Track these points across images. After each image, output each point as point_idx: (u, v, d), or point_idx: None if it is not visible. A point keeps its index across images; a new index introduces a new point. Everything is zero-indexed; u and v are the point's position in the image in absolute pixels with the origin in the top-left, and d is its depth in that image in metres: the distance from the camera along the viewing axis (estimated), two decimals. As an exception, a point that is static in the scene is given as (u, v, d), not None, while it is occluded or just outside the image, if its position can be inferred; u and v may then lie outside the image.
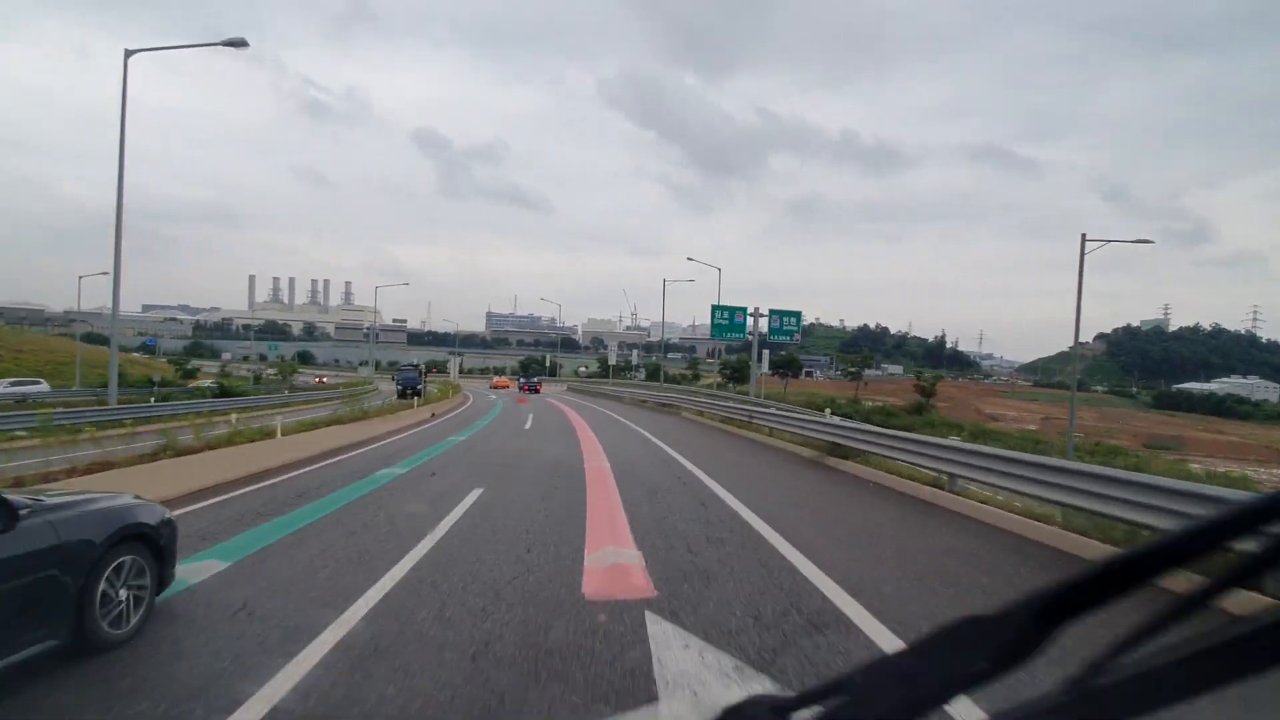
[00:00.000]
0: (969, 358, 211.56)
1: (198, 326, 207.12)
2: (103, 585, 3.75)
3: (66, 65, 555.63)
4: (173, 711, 3.15)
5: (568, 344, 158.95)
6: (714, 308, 31.01)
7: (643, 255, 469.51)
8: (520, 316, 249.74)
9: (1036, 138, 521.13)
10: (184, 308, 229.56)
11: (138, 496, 4.59)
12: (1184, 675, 0.48)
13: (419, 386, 40.68)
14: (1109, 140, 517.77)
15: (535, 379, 67.48)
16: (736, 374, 66.01)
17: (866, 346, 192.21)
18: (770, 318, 30.32)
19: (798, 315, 31.20)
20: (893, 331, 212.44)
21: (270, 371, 69.35)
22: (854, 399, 66.86)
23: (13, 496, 3.49)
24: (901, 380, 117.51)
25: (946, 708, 0.60)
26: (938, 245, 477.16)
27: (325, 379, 76.30)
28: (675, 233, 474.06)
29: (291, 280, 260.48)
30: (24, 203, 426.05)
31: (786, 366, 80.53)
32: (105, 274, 24.44)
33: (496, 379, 79.78)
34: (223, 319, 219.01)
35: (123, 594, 3.89)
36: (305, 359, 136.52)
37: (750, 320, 30.21)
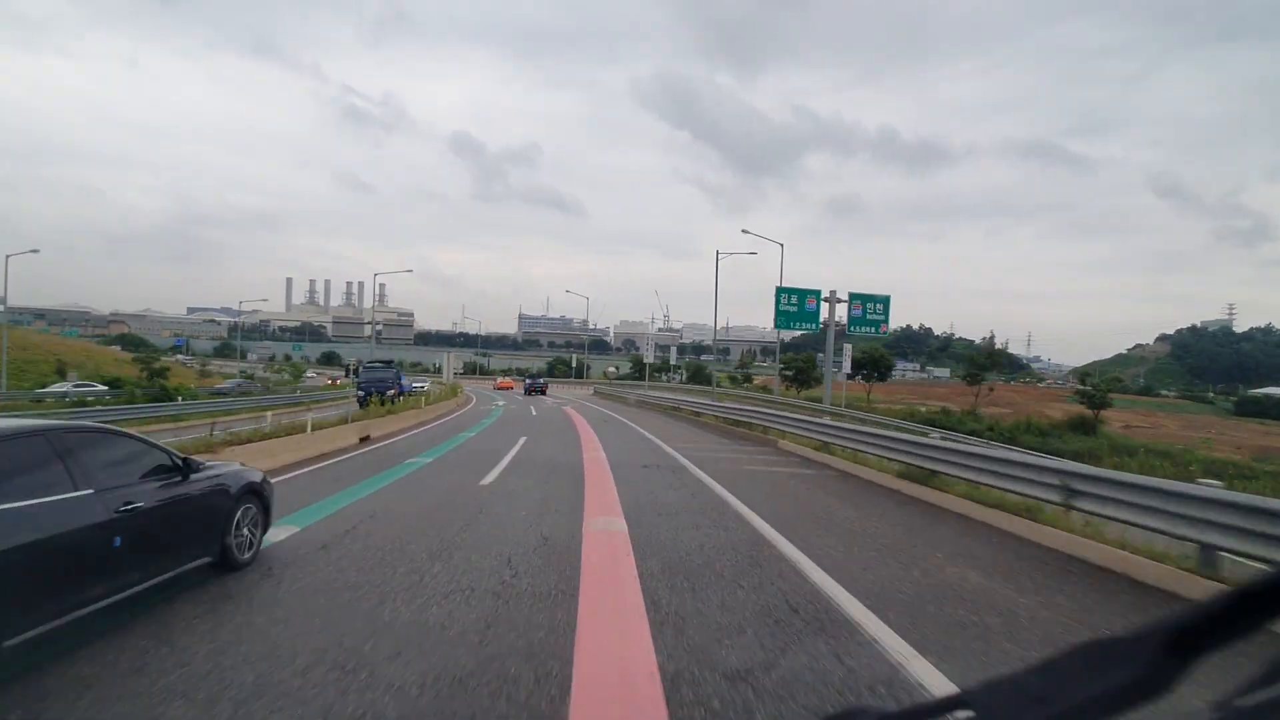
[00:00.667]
0: (1020, 360, 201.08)
1: (233, 328, 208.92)
2: (235, 523, 5.51)
3: (118, 77, 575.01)
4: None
5: (599, 345, 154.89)
6: (778, 291, 25.48)
7: (675, 258, 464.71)
8: (552, 319, 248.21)
9: (1087, 132, 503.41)
10: (226, 310, 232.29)
11: (244, 465, 6.56)
12: None
13: (389, 391, 31.02)
14: (1164, 135, 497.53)
15: (541, 379, 61.29)
16: (800, 375, 58.52)
17: (909, 348, 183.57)
18: (851, 304, 24.62)
19: (886, 301, 25.52)
20: (936, 333, 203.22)
21: (267, 374, 68.02)
22: (971, 410, 56.36)
23: (192, 457, 5.40)
24: (951, 384, 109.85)
25: None
26: (981, 244, 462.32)
27: (338, 380, 73.81)
28: (708, 234, 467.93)
29: (327, 282, 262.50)
30: (80, 209, 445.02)
31: (872, 367, 64.37)
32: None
33: (500, 380, 75.43)
34: (261, 320, 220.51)
35: (245, 532, 5.66)
36: (330, 359, 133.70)
37: (825, 308, 24.51)
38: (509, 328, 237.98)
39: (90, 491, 4.00)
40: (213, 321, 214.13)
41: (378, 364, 40.81)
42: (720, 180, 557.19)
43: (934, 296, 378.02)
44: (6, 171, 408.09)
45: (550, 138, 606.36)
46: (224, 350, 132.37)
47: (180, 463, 5.12)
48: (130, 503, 4.27)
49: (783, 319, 25.47)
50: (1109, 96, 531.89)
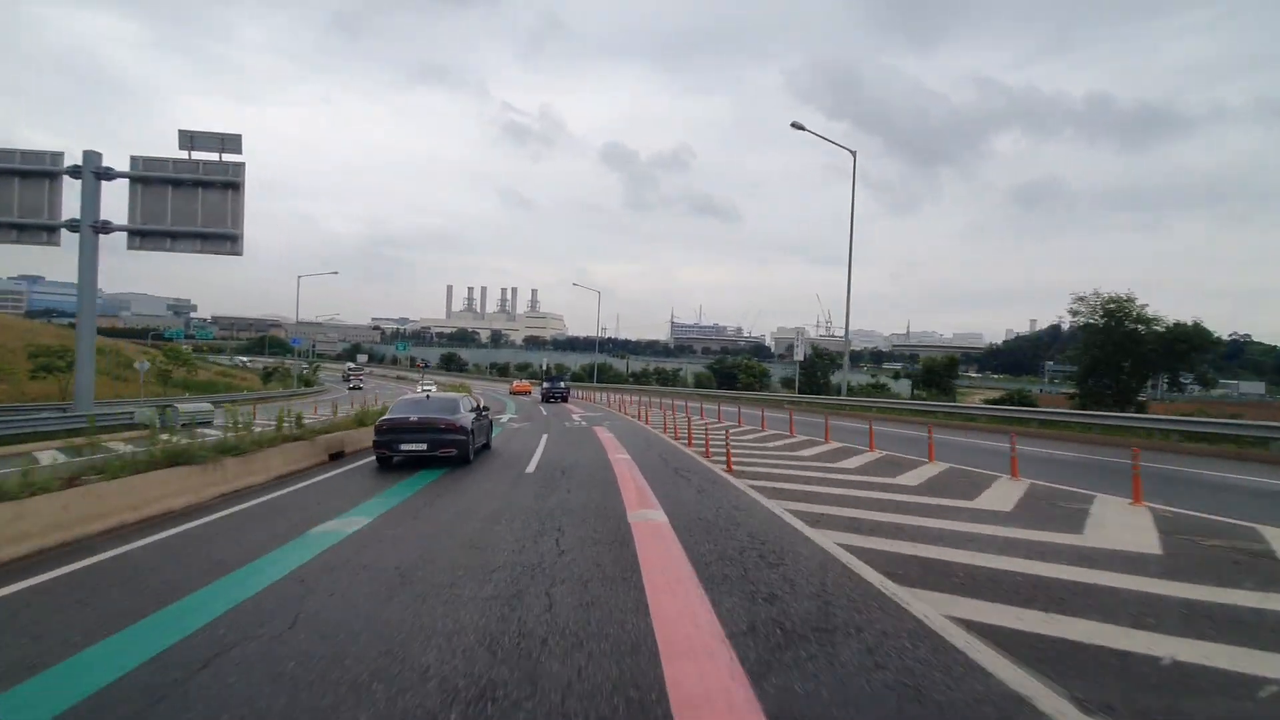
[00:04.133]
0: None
1: (382, 333, 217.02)
2: (490, 431, 16.47)
3: (318, 119, 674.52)
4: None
5: (759, 352, 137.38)
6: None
7: (833, 263, 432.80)
8: (704, 326, 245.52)
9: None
10: (403, 320, 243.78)
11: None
12: None
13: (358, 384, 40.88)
14: None
15: (563, 384, 48.25)
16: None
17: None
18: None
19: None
20: (1224, 337, 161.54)
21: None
22: None
23: (483, 405, 16.57)
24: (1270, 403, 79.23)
25: None
26: (1215, 234, 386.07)
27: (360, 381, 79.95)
28: (870, 233, 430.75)
29: (484, 289, 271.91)
30: (298, 236, 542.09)
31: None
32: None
33: (516, 383, 68.60)
34: (422, 327, 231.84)
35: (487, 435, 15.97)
36: (450, 362, 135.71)
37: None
38: (660, 334, 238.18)
39: (468, 411, 13.73)
40: (376, 328, 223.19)
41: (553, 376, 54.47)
42: (885, 172, 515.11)
43: (1155, 293, 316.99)
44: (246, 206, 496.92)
45: (701, 143, 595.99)
46: (350, 353, 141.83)
47: (483, 406, 15.98)
48: (481, 412, 15.12)
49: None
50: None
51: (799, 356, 57.08)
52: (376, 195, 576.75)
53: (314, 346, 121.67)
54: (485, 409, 16.01)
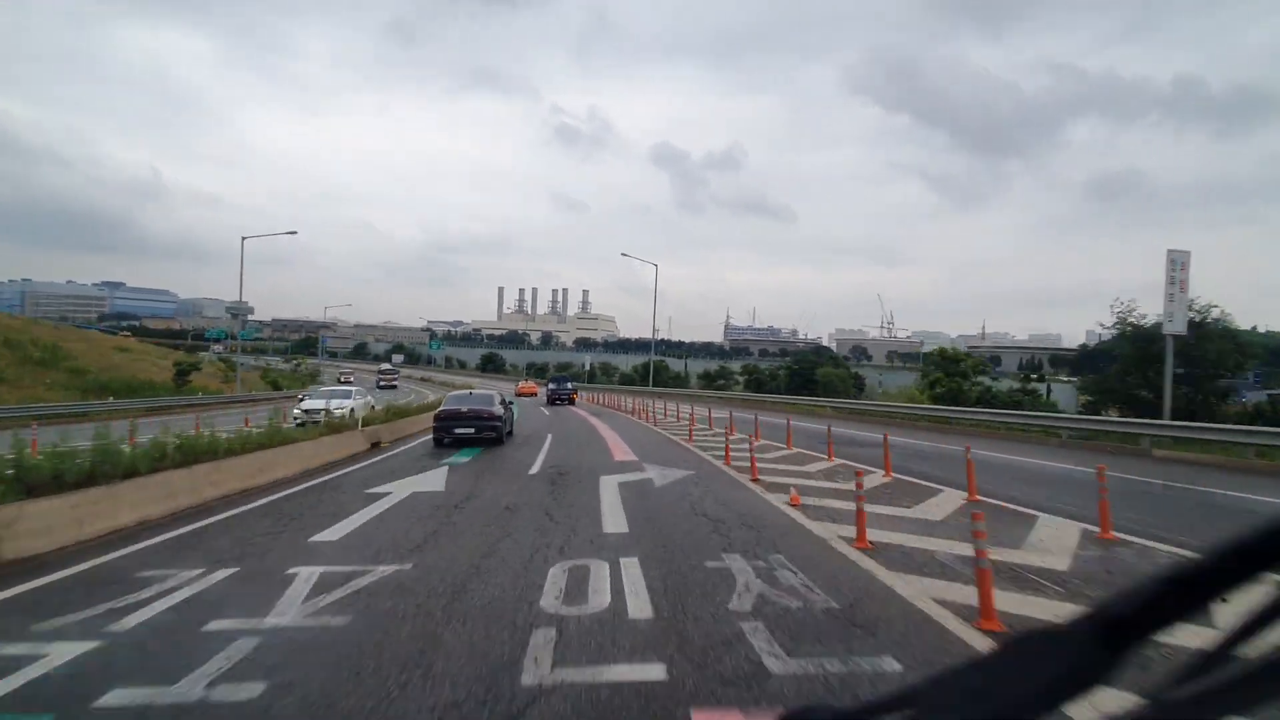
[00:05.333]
0: None
1: (432, 334, 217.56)
2: (513, 420, 20.13)
3: (376, 128, 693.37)
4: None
5: (820, 353, 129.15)
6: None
7: (891, 264, 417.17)
8: (758, 328, 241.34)
9: None
10: (456, 323, 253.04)
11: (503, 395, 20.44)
12: (1252, 693, 0.46)
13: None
14: None
15: (569, 384, 45.66)
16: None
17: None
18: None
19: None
20: None
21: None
22: None
23: (508, 400, 21.34)
24: None
25: None
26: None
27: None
28: (931, 232, 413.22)
29: (534, 290, 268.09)
30: (360, 243, 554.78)
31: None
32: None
33: (521, 384, 63.20)
34: (473, 329, 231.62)
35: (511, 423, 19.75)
36: (488, 362, 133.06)
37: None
38: (713, 336, 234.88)
39: (501, 405, 17.76)
40: (429, 331, 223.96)
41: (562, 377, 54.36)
42: (949, 166, 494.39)
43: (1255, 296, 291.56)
44: (303, 214, 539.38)
45: (754, 142, 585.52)
46: (388, 355, 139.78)
47: (509, 401, 20.09)
48: (508, 405, 19.34)
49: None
50: None
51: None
52: (432, 201, 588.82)
53: (324, 342, 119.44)
54: (511, 403, 21.25)
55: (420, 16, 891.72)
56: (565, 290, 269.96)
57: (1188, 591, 0.51)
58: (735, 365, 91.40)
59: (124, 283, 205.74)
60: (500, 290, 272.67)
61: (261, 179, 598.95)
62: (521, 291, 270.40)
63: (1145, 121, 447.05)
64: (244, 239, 39.87)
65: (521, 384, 63.21)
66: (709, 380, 76.55)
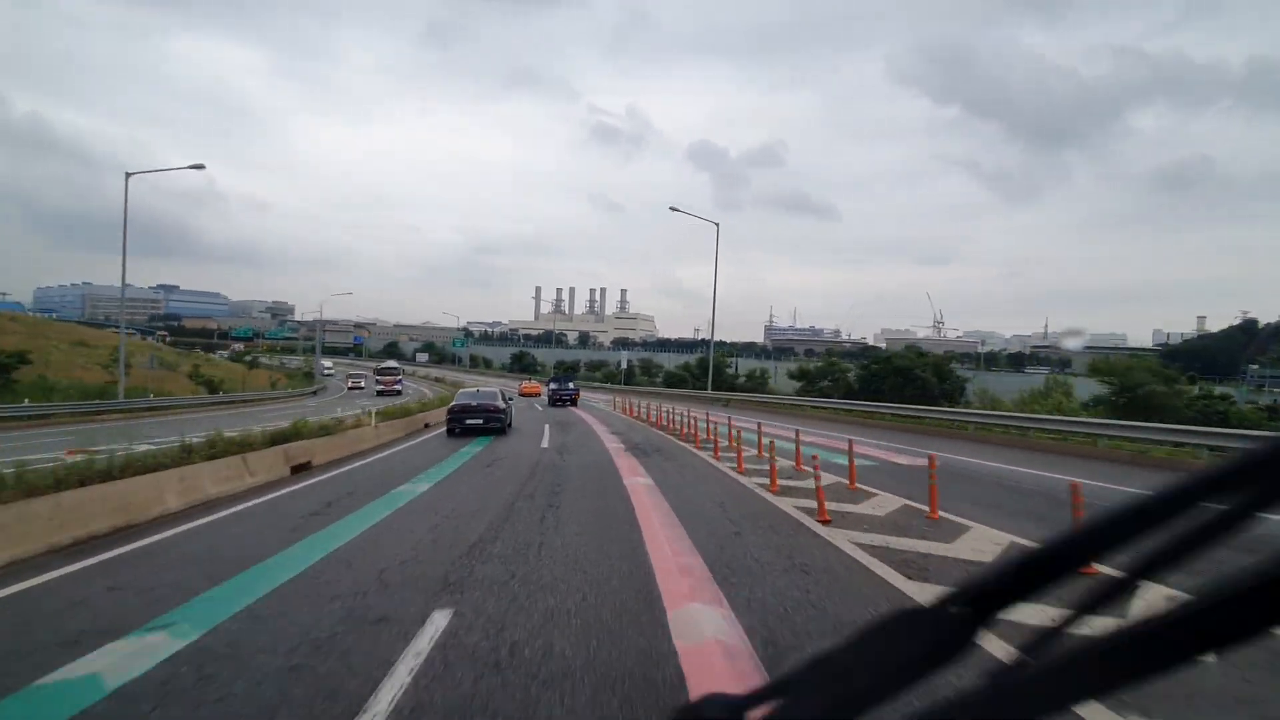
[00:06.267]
0: None
1: (469, 334, 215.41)
2: (512, 414, 23.46)
3: (416, 131, 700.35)
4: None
5: (865, 353, 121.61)
6: None
7: (938, 262, 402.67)
8: (800, 328, 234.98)
9: None
10: (494, 323, 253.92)
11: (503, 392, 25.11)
12: (1100, 669, 0.47)
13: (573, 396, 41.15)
14: None
15: (571, 383, 44.63)
16: None
17: None
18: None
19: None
20: None
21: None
22: None
23: (510, 395, 26.45)
24: None
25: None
26: None
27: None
28: (982, 228, 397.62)
29: (572, 290, 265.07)
30: (403, 247, 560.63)
31: None
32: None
33: (525, 383, 61.01)
34: (510, 329, 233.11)
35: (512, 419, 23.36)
36: (518, 361, 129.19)
37: None
38: (754, 337, 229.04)
39: (504, 400, 22.14)
40: (465, 331, 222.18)
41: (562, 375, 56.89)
42: (1001, 159, 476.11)
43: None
44: (354, 219, 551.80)
45: (793, 137, 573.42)
46: (424, 350, 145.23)
47: (510, 397, 23.70)
48: (508, 401, 23.24)
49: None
50: None
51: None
52: (473, 203, 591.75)
53: (324, 339, 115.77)
54: (511, 399, 25.39)
55: (455, 19, 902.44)
56: (603, 290, 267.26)
57: (1039, 572, 0.53)
58: (786, 365, 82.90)
59: (178, 285, 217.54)
60: (537, 290, 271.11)
61: (310, 185, 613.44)
62: (559, 291, 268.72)
63: (1218, 106, 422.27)
64: (128, 175, 35.00)
65: (524, 384, 60.35)
66: (756, 381, 55.88)
